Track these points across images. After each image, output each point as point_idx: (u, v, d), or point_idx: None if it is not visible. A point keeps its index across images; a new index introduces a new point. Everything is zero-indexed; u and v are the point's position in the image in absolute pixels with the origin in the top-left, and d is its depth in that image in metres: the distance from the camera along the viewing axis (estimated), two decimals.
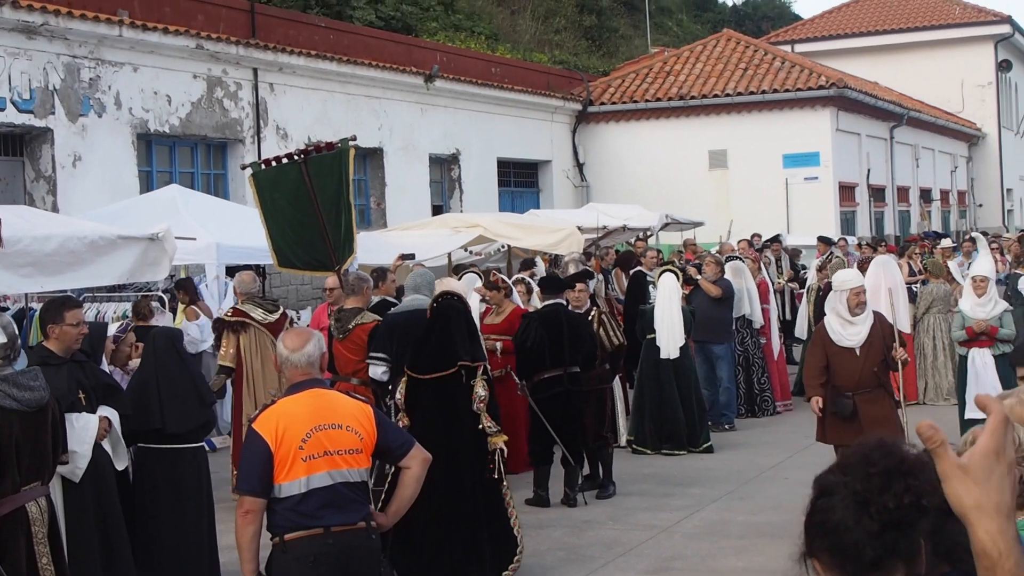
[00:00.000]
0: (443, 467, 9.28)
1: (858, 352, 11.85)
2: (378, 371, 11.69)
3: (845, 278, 12.38)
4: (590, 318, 14.07)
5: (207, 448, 11.29)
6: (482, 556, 10.06)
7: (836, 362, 11.91)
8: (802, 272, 24.94)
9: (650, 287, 17.56)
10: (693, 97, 34.44)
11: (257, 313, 13.32)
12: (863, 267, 21.10)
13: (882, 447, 2.67)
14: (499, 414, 10.58)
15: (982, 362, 15.04)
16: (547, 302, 13.75)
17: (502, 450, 10.22)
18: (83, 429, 8.39)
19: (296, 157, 12.24)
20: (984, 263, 16.42)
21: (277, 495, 6.29)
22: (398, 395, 10.55)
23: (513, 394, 14.47)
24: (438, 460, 8.57)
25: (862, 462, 2.64)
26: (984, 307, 15.19)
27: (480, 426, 10.06)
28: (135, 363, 10.67)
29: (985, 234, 35.38)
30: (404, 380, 10.44)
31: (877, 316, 12.15)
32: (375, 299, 13.07)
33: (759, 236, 26.16)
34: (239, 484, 6.50)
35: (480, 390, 10.10)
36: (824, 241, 25.15)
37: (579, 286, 14.26)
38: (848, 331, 11.93)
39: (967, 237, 26.89)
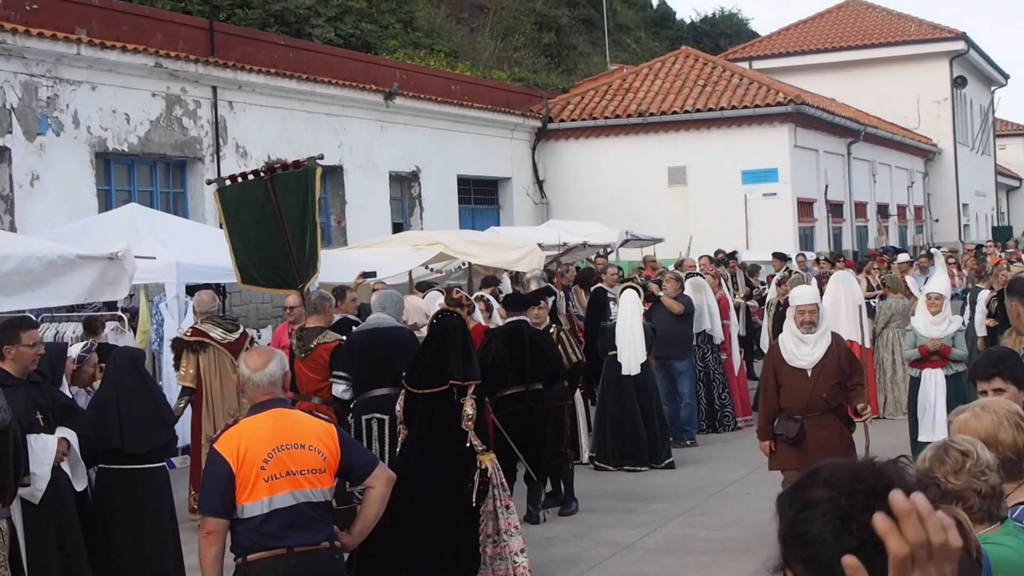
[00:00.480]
0: (433, 481, 9.90)
1: (809, 374, 11.16)
2: (339, 389, 11.70)
3: (795, 294, 11.79)
4: (550, 333, 14.10)
5: (168, 468, 11.23)
6: (457, 567, 10.14)
7: (786, 383, 11.28)
8: (758, 289, 24.99)
9: (611, 304, 17.60)
10: (652, 114, 34.53)
11: (216, 333, 13.27)
12: (822, 282, 21.23)
13: (872, 467, 2.67)
14: (488, 432, 10.73)
15: (934, 383, 14.68)
16: (510, 319, 13.75)
17: (486, 469, 10.23)
18: (42, 450, 8.33)
19: (262, 174, 12.22)
20: (939, 280, 16.21)
21: (240, 516, 6.26)
22: (397, 407, 10.68)
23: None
24: (429, 473, 9.83)
25: (850, 479, 2.63)
26: (939, 325, 14.81)
27: (468, 444, 10.04)
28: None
29: (939, 247, 35.67)
30: (403, 393, 10.54)
31: (835, 338, 11.44)
32: (336, 317, 13.05)
33: (723, 252, 26.24)
34: (201, 505, 6.47)
35: (468, 409, 10.11)
36: (779, 257, 25.22)
37: (541, 303, 14.29)
38: (801, 351, 11.29)
39: (923, 253, 27.02)
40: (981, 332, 20.46)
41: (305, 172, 12.00)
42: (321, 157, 12.36)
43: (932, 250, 22.08)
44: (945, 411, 13.62)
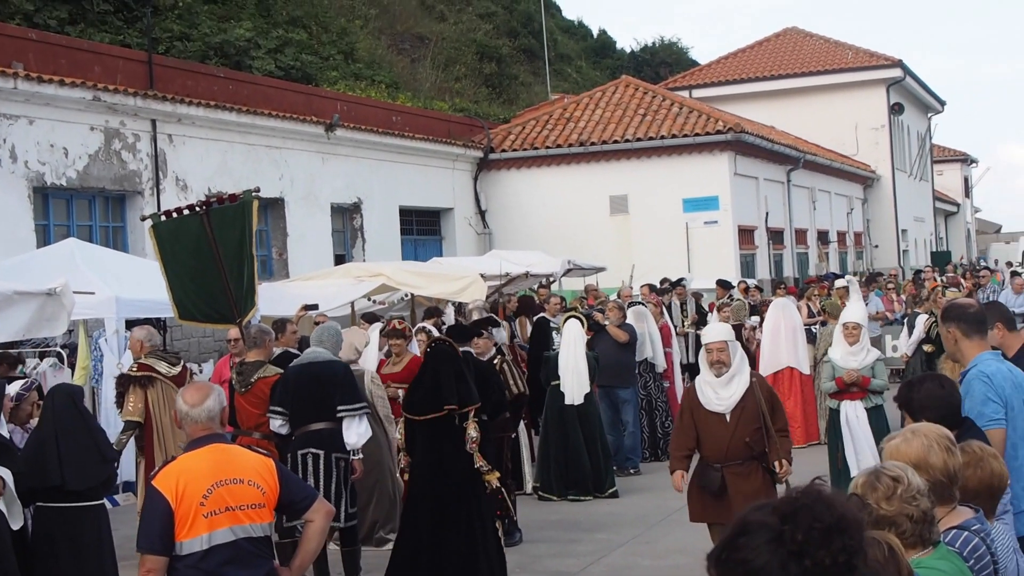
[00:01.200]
0: (438, 504, 10.84)
1: (728, 418, 10.13)
2: (276, 424, 11.69)
3: (704, 332, 10.91)
4: (494, 364, 14.11)
5: (109, 505, 11.14)
6: None
7: (704, 428, 10.22)
8: (706, 314, 25.11)
9: (554, 333, 17.63)
10: (593, 143, 34.64)
11: (162, 367, 13.20)
12: (763, 309, 21.40)
13: (824, 500, 2.68)
14: (492, 453, 11.55)
15: (854, 415, 14.16)
16: None
17: (498, 487, 11.35)
18: None
19: (198, 208, 12.18)
20: (855, 309, 15.40)
21: (179, 552, 6.23)
22: (397, 434, 11.67)
23: None
24: (433, 496, 10.83)
25: (807, 515, 2.64)
26: (856, 356, 14.27)
27: (476, 465, 10.93)
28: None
29: (880, 275, 35.96)
30: (402, 421, 11.38)
31: (756, 379, 10.44)
32: (277, 351, 13.00)
33: (669, 281, 26.34)
34: (140, 543, 6.42)
35: (472, 432, 10.90)
36: (722, 285, 25.36)
37: (484, 333, 14.30)
38: (718, 393, 10.25)
39: (842, 284, 27.08)
40: (910, 351, 20.72)
41: (241, 205, 11.98)
42: (257, 190, 12.35)
43: (847, 278, 21.67)
44: (867, 443, 13.77)
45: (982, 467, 5.78)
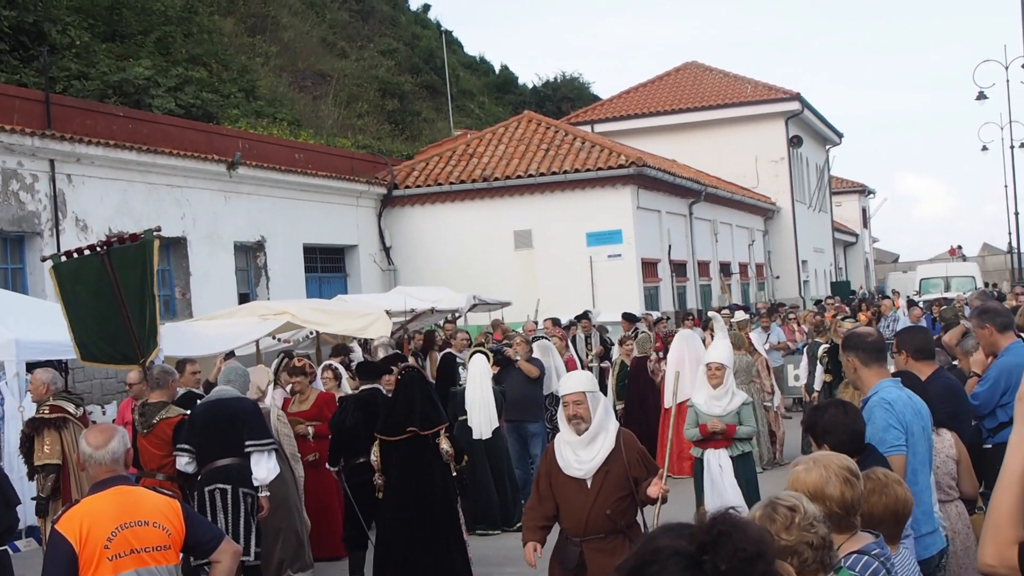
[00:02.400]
0: (418, 517, 11.53)
1: (589, 484, 8.60)
2: (182, 462, 11.62)
3: (562, 383, 9.24)
4: None
5: (10, 551, 10.96)
6: None
7: (561, 495, 8.70)
8: (611, 347, 25.23)
9: (460, 369, 17.64)
10: (497, 178, 34.71)
11: (71, 407, 13.07)
12: (667, 341, 21.55)
13: (741, 527, 2.68)
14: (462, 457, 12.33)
15: (717, 464, 12.99)
16: (363, 387, 13.74)
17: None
18: None
19: (98, 249, 12.09)
20: (720, 348, 14.00)
21: None
22: (373, 457, 12.01)
23: (326, 480, 14.44)
24: (413, 511, 11.51)
25: (728, 543, 2.63)
26: (720, 400, 13.20)
27: (453, 474, 11.82)
28: None
29: (782, 305, 36.30)
30: (377, 443, 11.91)
31: (624, 436, 8.81)
32: (180, 391, 12.91)
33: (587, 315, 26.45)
34: None
35: (444, 446, 11.75)
36: (627, 318, 25.48)
37: (393, 370, 14.29)
38: (578, 454, 8.70)
39: (764, 311, 27.38)
40: (818, 386, 20.95)
41: (142, 245, 11.91)
42: (158, 229, 12.28)
43: (710, 314, 20.90)
44: (733, 495, 12.63)
45: (887, 493, 5.89)
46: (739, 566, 2.57)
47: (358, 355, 19.52)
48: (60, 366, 16.91)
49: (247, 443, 11.47)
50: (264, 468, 11.57)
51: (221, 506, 11.30)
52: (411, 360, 18.85)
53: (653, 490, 8.53)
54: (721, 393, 13.24)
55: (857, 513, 5.34)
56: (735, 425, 13.11)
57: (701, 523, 2.71)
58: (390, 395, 13.80)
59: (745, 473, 13.19)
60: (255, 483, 11.54)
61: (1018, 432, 4.14)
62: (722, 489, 12.83)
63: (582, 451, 8.69)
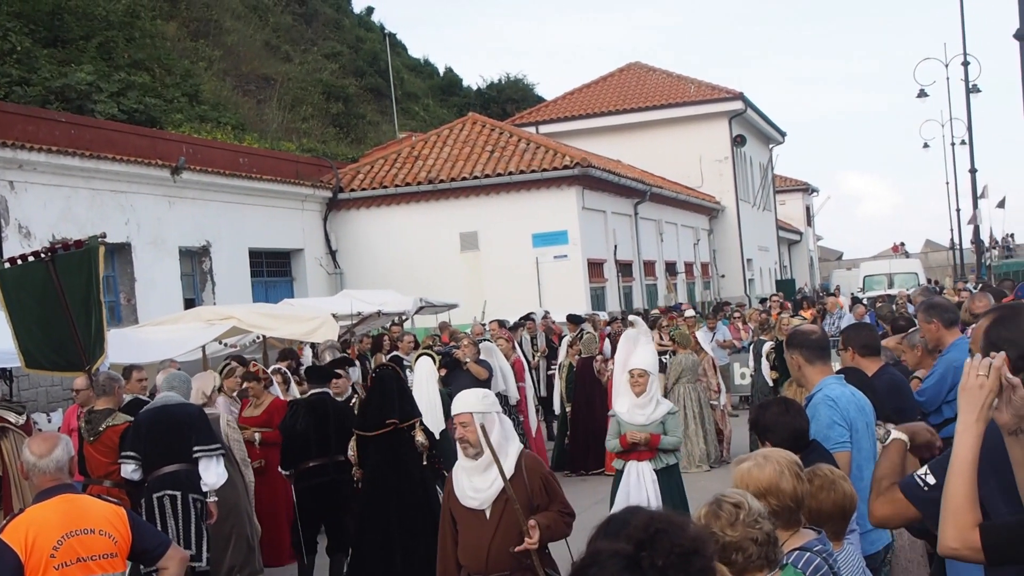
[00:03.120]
0: (396, 510, 11.61)
1: (488, 515, 7.85)
2: (128, 469, 11.57)
3: (455, 401, 8.27)
4: (351, 403, 14.10)
5: None
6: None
7: (460, 528, 7.99)
8: (556, 348, 25.27)
9: (407, 371, 17.64)
10: (442, 181, 34.70)
11: (12, 417, 12.98)
12: (614, 340, 21.61)
13: (677, 524, 2.71)
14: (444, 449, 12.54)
15: (638, 478, 12.10)
16: (312, 391, 13.72)
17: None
18: None
19: (43, 255, 12.03)
20: (644, 354, 12.86)
21: None
22: (350, 452, 12.30)
23: (275, 487, 14.40)
24: (391, 504, 11.63)
25: (665, 540, 2.66)
26: (644, 409, 12.29)
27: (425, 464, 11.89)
28: None
29: (727, 304, 36.50)
30: (354, 438, 12.17)
31: (526, 460, 8.04)
32: (127, 398, 12.85)
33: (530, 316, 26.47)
34: None
35: (420, 438, 11.84)
36: (573, 320, 25.48)
37: (342, 374, 14.28)
38: (473, 481, 7.94)
39: (691, 313, 27.34)
40: (769, 383, 21.08)
41: (87, 251, 11.86)
42: (103, 236, 12.23)
43: (631, 318, 20.29)
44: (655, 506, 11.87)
45: (835, 489, 5.96)
46: (675, 562, 2.61)
47: (308, 359, 19.50)
48: (4, 374, 16.78)
49: (195, 449, 11.44)
50: (213, 473, 11.55)
51: (171, 512, 11.26)
52: (357, 363, 18.87)
53: (520, 547, 7.63)
54: (644, 401, 12.31)
55: (804, 508, 5.40)
56: (659, 435, 12.18)
57: (638, 522, 2.75)
58: (340, 399, 13.84)
59: (669, 488, 12.19)
60: (204, 488, 11.52)
61: (963, 421, 4.27)
62: (639, 501, 11.69)
63: (478, 478, 7.91)
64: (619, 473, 12.37)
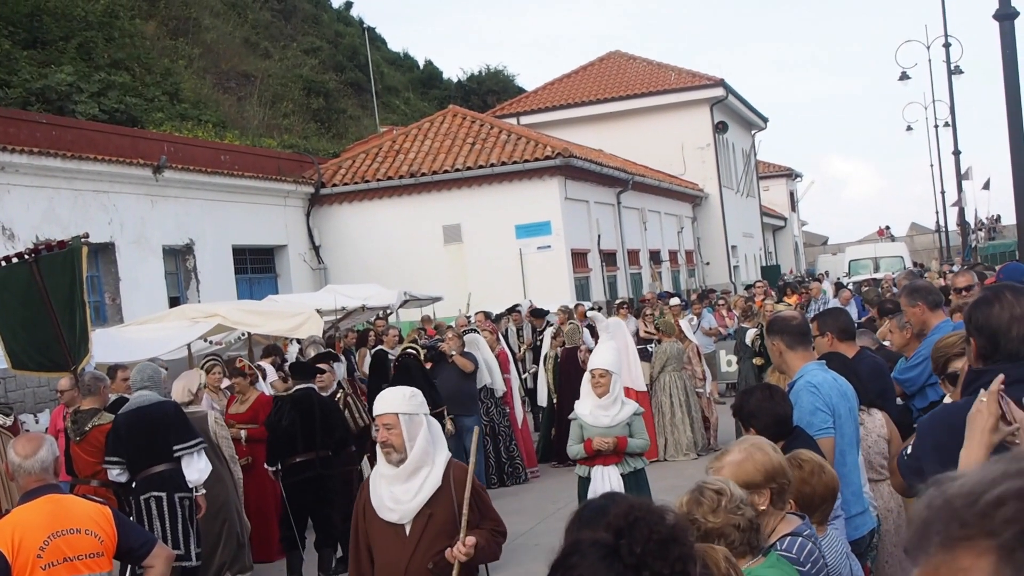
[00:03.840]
0: None
1: (407, 531, 6.98)
2: (114, 473, 11.59)
3: (376, 402, 7.30)
4: (336, 399, 14.13)
5: None
6: None
7: (375, 544, 7.10)
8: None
9: (392, 365, 17.66)
10: (424, 174, 34.67)
11: None
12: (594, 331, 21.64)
13: (655, 512, 2.73)
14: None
15: (603, 483, 11.12)
16: (298, 387, 13.73)
17: None
18: None
19: (26, 257, 12.03)
20: (605, 353, 12.10)
21: None
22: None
23: (263, 483, 14.42)
24: None
25: (643, 528, 2.67)
26: (608, 411, 11.42)
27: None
28: None
29: (712, 291, 36.52)
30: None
31: (455, 471, 7.07)
32: (113, 397, 12.85)
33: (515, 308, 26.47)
34: None
35: (449, 426, 13.15)
36: (536, 315, 25.30)
37: (327, 369, 14.31)
38: (393, 491, 7.02)
39: (675, 302, 27.37)
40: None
41: (71, 252, 11.86)
42: (86, 236, 12.23)
43: (590, 314, 19.21)
44: None
45: (825, 473, 6.01)
46: (653, 549, 2.63)
47: (293, 355, 19.52)
48: None
49: (175, 448, 11.45)
50: (195, 470, 11.56)
51: (157, 514, 11.28)
52: (342, 358, 18.89)
53: (450, 553, 6.79)
54: (608, 402, 11.42)
55: (790, 491, 5.44)
56: (625, 437, 11.34)
57: (618, 511, 2.78)
58: (324, 394, 13.86)
59: (639, 492, 11.06)
60: (189, 484, 11.53)
61: (966, 445, 4.23)
62: None
63: (398, 488, 6.99)
64: (584, 480, 11.47)
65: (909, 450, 5.24)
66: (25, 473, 6.42)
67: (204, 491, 11.82)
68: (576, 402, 11.94)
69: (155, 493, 11.33)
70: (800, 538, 5.24)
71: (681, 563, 2.69)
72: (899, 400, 9.55)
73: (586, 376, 11.78)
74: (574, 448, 11.46)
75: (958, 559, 1.62)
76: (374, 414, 7.24)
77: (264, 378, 16.52)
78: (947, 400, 6.61)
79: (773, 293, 32.73)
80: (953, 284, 12.31)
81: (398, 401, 7.08)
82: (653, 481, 12.51)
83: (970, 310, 5.07)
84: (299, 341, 20.22)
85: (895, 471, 5.76)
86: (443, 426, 11.92)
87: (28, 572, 6.14)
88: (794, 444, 6.41)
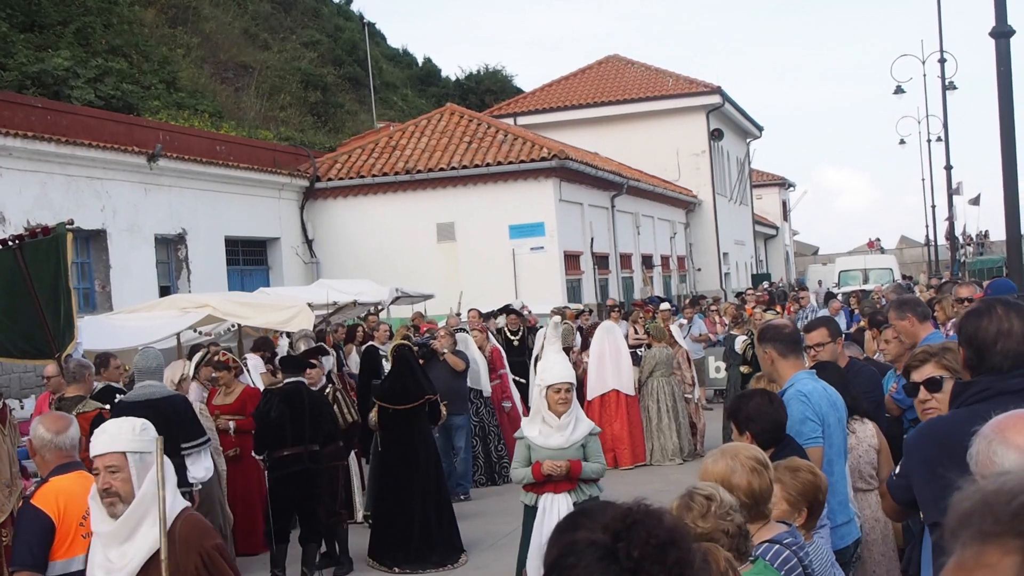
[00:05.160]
0: (409, 477, 13.91)
1: None
2: None
3: (92, 444, 5.95)
4: (325, 394, 14.11)
5: None
6: (433, 547, 13.87)
7: None
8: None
9: (383, 361, 17.63)
10: (419, 171, 34.66)
11: None
12: (589, 332, 21.65)
13: (654, 515, 2.71)
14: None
15: (554, 514, 9.60)
16: (288, 380, 13.70)
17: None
18: None
19: (11, 243, 11.98)
20: (562, 363, 10.51)
21: (52, 573, 6.28)
22: (372, 418, 14.57)
23: (249, 475, 14.38)
24: (412, 473, 13.94)
25: (641, 530, 2.66)
26: (563, 431, 9.91)
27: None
28: None
29: (703, 297, 36.52)
30: (376, 408, 14.43)
31: (184, 527, 5.73)
32: (99, 385, 12.81)
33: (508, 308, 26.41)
34: (15, 559, 6.51)
35: (444, 411, 14.99)
36: (513, 312, 25.23)
37: (316, 364, 14.29)
38: (109, 554, 5.74)
39: (666, 307, 27.34)
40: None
41: (55, 238, 11.82)
42: (71, 222, 12.18)
43: (554, 319, 19.08)
44: None
45: (820, 477, 6.05)
46: (651, 552, 2.61)
47: (284, 348, 19.48)
48: None
49: (183, 446, 11.39)
50: (202, 468, 11.56)
51: None
52: (332, 352, 18.85)
53: None
54: (565, 422, 9.92)
55: (767, 502, 5.42)
56: (580, 461, 9.87)
57: (616, 513, 2.76)
58: (314, 388, 13.83)
59: None
60: (191, 481, 11.49)
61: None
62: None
63: (115, 550, 5.65)
64: (530, 509, 10.01)
65: (897, 470, 5.44)
66: (55, 448, 6.67)
67: (200, 486, 11.80)
68: (523, 420, 10.80)
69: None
70: (778, 545, 5.25)
71: (678, 568, 2.66)
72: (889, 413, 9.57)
73: (537, 391, 10.30)
74: (519, 472, 9.97)
75: (986, 554, 1.74)
76: (91, 454, 5.79)
77: (248, 371, 16.48)
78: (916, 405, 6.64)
79: (766, 299, 32.71)
80: (957, 294, 12.64)
81: (126, 437, 5.70)
82: (636, 486, 12.52)
83: (961, 321, 5.20)
84: (289, 334, 20.20)
85: (886, 494, 5.85)
86: (430, 412, 14.46)
87: (71, 539, 6.32)
88: (784, 452, 6.42)
